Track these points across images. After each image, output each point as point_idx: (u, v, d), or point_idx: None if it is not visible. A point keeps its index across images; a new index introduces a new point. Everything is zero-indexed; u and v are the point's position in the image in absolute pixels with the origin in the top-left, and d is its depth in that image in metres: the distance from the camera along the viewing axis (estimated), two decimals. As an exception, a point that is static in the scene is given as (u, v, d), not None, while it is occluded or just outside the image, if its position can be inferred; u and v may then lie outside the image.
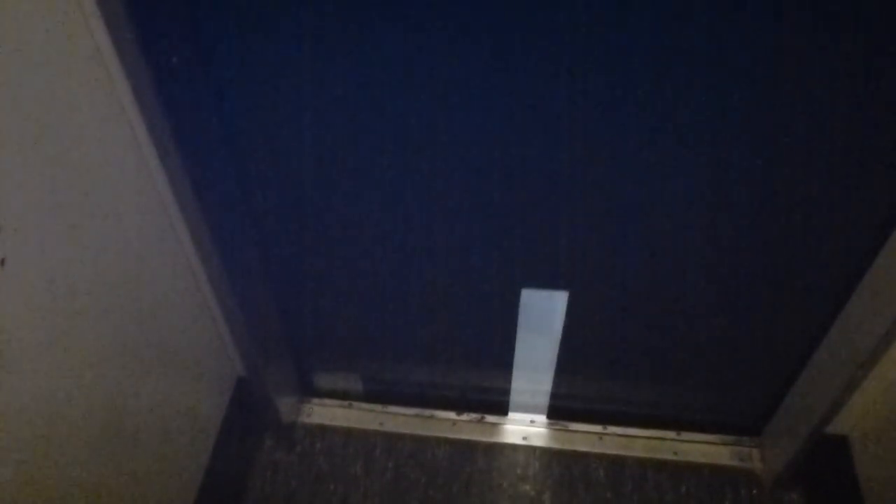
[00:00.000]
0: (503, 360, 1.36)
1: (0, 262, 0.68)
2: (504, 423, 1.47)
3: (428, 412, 1.48)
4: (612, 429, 1.45)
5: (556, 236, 1.08)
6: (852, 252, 1.02)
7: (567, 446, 1.44)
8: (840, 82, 0.84)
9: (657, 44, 0.83)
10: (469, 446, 1.45)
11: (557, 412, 1.46)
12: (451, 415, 1.48)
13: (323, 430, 1.48)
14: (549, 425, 1.46)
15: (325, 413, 1.50)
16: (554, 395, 1.42)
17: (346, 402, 1.51)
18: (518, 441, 1.45)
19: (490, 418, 1.48)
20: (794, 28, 0.80)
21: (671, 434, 1.43)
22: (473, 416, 1.48)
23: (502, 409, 1.47)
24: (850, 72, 0.83)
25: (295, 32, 0.87)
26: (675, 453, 1.41)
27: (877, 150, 0.89)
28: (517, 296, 1.19)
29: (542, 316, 1.24)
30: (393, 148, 0.99)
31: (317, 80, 0.92)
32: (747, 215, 1.01)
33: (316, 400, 1.52)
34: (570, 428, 1.46)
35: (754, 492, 1.36)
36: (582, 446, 1.43)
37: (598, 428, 1.45)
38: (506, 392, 1.44)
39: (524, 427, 1.46)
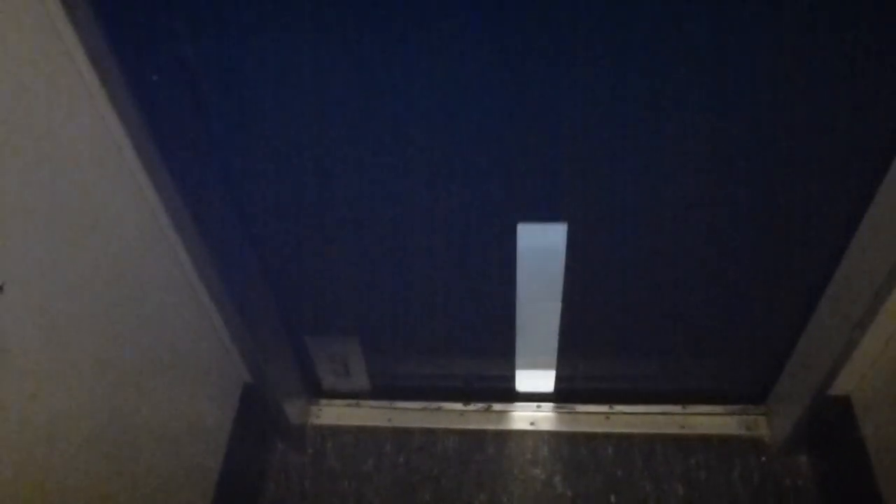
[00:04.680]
0: (506, 347, 1.37)
1: (-2, 285, 0.70)
2: (511, 410, 1.48)
3: (435, 405, 1.49)
4: (618, 408, 1.46)
5: (557, 209, 1.09)
6: (841, 217, 1.03)
7: (575, 428, 1.45)
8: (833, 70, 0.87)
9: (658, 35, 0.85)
10: (478, 435, 1.46)
11: (563, 395, 1.47)
12: (458, 405, 1.49)
13: (333, 430, 1.50)
14: (556, 409, 1.47)
15: (333, 413, 1.51)
16: (559, 378, 1.43)
17: (353, 401, 1.52)
18: (526, 427, 1.46)
19: (497, 406, 1.49)
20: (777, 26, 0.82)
21: (677, 408, 1.44)
22: (480, 405, 1.49)
23: (508, 396, 1.48)
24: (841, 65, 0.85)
25: (280, 28, 0.87)
26: (682, 427, 1.42)
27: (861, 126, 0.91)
28: (518, 281, 1.20)
29: (543, 299, 1.25)
30: (386, 135, 0.99)
31: (302, 75, 0.92)
32: (742, 185, 1.02)
33: (324, 401, 1.53)
34: (577, 410, 1.47)
35: (763, 459, 1.37)
36: (589, 427, 1.44)
37: (604, 408, 1.46)
38: (511, 379, 1.45)
39: (531, 412, 1.47)
